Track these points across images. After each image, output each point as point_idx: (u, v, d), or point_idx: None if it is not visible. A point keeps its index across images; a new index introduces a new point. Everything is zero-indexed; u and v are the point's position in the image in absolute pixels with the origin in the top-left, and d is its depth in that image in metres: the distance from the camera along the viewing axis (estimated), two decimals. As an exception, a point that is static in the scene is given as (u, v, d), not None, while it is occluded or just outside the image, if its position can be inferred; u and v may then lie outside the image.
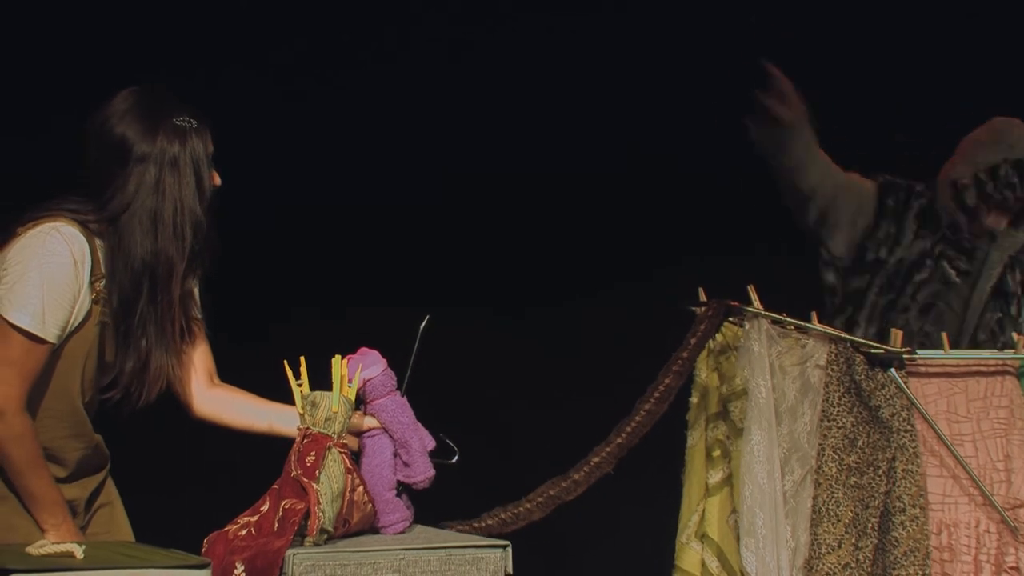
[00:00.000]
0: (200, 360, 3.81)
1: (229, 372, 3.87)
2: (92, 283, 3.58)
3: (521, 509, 4.20)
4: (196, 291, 3.78)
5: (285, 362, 3.64)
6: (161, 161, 3.60)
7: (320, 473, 3.41)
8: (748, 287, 4.54)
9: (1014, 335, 4.64)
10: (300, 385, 3.53)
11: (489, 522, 4.15)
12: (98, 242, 3.58)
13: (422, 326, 3.61)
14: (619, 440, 4.27)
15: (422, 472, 3.58)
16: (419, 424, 3.61)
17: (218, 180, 3.69)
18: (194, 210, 3.62)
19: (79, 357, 3.62)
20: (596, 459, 4.26)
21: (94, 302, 3.59)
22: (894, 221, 4.94)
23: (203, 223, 3.63)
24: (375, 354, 3.62)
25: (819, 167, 4.89)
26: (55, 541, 3.46)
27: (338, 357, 3.54)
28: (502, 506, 4.18)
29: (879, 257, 4.92)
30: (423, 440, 3.60)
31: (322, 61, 5.58)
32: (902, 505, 4.38)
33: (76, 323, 3.58)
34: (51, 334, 3.51)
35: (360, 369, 3.56)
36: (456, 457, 3.65)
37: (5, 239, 3.57)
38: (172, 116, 3.62)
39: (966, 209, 4.89)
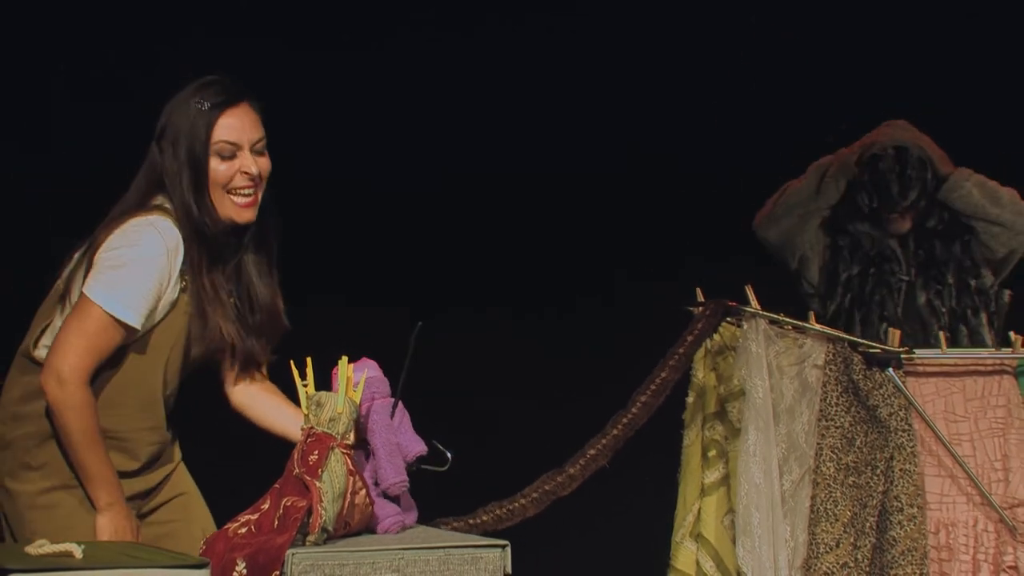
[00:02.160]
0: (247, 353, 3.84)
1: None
2: (182, 272, 3.65)
3: (516, 505, 4.19)
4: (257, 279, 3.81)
5: (292, 362, 3.65)
6: (171, 142, 3.67)
7: (323, 472, 3.41)
8: (746, 287, 4.55)
9: (1011, 334, 4.65)
10: (306, 385, 3.54)
11: (484, 518, 4.13)
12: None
13: (413, 334, 3.61)
14: (614, 432, 4.27)
15: (387, 479, 3.54)
16: (395, 430, 3.55)
17: (240, 167, 3.68)
18: (182, 193, 3.65)
19: (164, 348, 3.69)
20: (592, 452, 4.26)
21: (182, 291, 3.67)
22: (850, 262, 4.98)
23: (190, 206, 3.64)
24: (370, 363, 3.62)
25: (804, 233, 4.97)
26: (108, 521, 3.58)
27: (345, 359, 3.55)
28: (497, 502, 4.17)
29: (851, 274, 4.95)
30: (392, 447, 3.53)
31: (322, 60, 5.58)
32: (900, 504, 4.38)
33: (163, 313, 3.66)
34: (130, 318, 3.59)
35: (365, 374, 3.57)
36: (448, 465, 3.63)
37: (102, 227, 3.67)
38: (193, 98, 3.68)
39: (862, 217, 4.91)
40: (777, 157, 5.76)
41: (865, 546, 4.37)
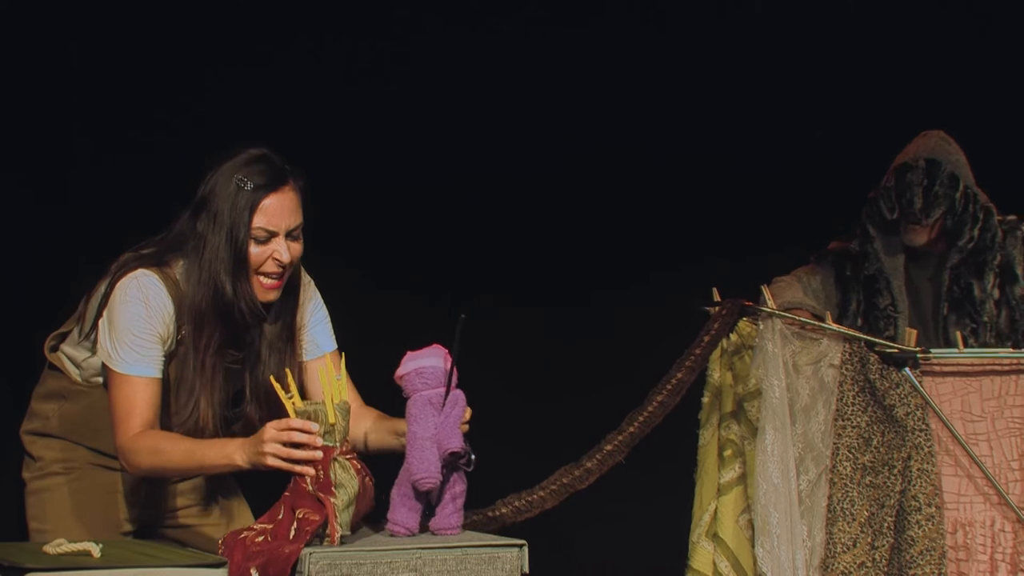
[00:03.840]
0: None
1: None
2: (178, 325, 3.72)
3: (534, 497, 4.18)
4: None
5: (272, 378, 3.63)
6: (212, 216, 3.70)
7: (335, 487, 3.40)
8: (762, 287, 4.54)
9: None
10: (291, 398, 3.52)
11: (503, 510, 4.12)
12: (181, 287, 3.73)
13: (458, 327, 3.58)
14: (631, 429, 4.26)
15: (413, 472, 3.52)
16: (437, 423, 3.54)
17: (272, 253, 3.71)
18: (217, 271, 3.67)
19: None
20: (609, 447, 4.25)
21: (178, 343, 3.73)
22: (861, 290, 4.90)
23: (223, 286, 3.67)
24: (433, 351, 3.60)
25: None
26: (240, 455, 3.53)
27: (327, 359, 3.53)
28: (516, 494, 4.16)
29: (858, 327, 4.87)
30: (425, 441, 3.50)
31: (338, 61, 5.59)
32: (917, 504, 4.38)
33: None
34: (158, 371, 3.70)
35: (343, 368, 3.57)
36: (472, 467, 3.60)
37: (101, 278, 3.77)
38: (238, 173, 3.68)
39: (883, 225, 4.84)
40: (781, 156, 5.77)
41: (883, 546, 4.37)
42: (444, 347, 3.59)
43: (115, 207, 4.97)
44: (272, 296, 3.74)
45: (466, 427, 3.58)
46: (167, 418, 3.74)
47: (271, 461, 3.46)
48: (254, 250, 3.68)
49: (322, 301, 3.94)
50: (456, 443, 3.51)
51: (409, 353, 3.60)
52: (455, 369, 3.57)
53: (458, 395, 3.57)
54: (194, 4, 5.30)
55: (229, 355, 3.76)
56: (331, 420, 3.43)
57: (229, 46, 5.29)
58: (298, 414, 3.46)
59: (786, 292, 4.73)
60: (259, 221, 3.67)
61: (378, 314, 5.13)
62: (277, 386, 3.56)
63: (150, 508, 3.85)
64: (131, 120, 5.23)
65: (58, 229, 5.11)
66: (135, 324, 3.67)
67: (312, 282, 3.93)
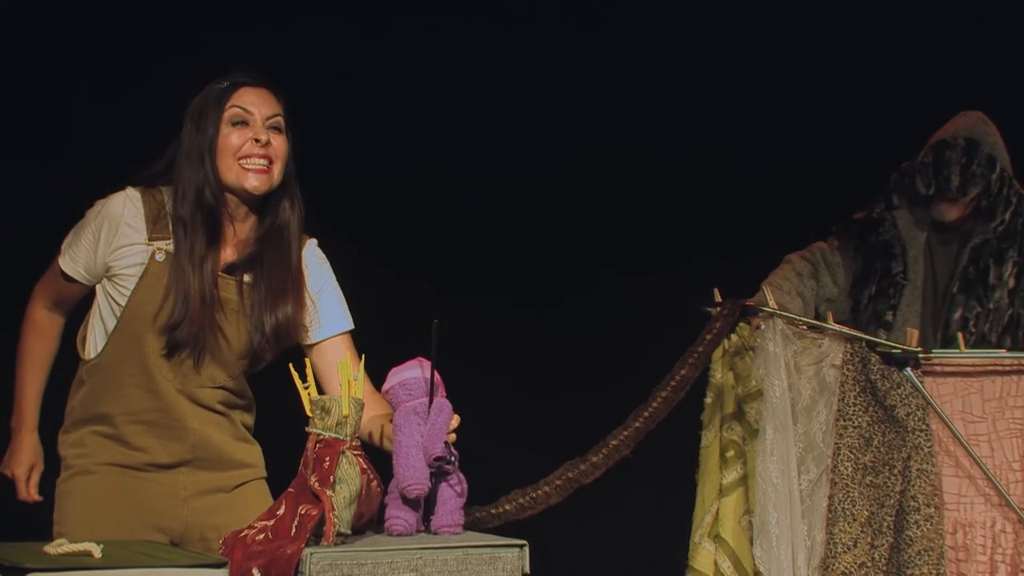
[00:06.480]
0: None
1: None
2: (155, 243, 3.72)
3: (539, 493, 4.16)
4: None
5: (291, 365, 3.63)
6: (190, 120, 3.75)
7: (335, 479, 3.40)
8: (763, 286, 4.55)
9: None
10: (307, 387, 3.52)
11: (507, 507, 4.10)
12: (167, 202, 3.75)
13: (433, 333, 3.58)
14: (637, 424, 4.26)
15: (401, 480, 3.52)
16: (424, 431, 3.54)
17: (251, 134, 3.71)
18: (192, 164, 3.70)
19: (146, 317, 3.72)
20: (615, 442, 4.24)
21: (159, 259, 3.71)
22: (879, 256, 4.90)
23: (196, 177, 3.69)
24: (417, 364, 3.60)
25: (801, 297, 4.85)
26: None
27: (347, 358, 3.53)
28: (520, 490, 4.15)
29: (871, 293, 4.88)
30: (411, 449, 3.50)
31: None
32: (917, 504, 4.38)
33: (130, 274, 3.73)
34: (64, 263, 3.80)
35: (362, 364, 3.56)
36: (452, 468, 3.60)
37: None
38: (215, 83, 3.76)
39: (914, 198, 4.84)
40: (781, 156, 5.78)
41: (882, 545, 4.37)
42: (426, 359, 3.61)
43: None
44: (256, 183, 3.72)
45: (453, 436, 3.58)
46: (156, 327, 3.73)
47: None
48: (232, 135, 3.70)
49: (335, 281, 3.91)
50: (440, 448, 3.52)
51: (393, 369, 3.62)
52: (437, 377, 3.58)
53: (443, 403, 3.58)
54: (197, 2, 5.32)
55: (223, 264, 3.76)
56: (344, 412, 3.43)
57: (230, 45, 5.29)
58: (312, 404, 3.46)
59: (777, 292, 4.73)
60: (234, 102, 3.71)
61: (377, 314, 5.13)
62: (295, 375, 3.56)
63: (174, 521, 3.81)
64: (130, 118, 5.23)
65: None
66: (85, 226, 3.78)
67: (326, 260, 3.91)
